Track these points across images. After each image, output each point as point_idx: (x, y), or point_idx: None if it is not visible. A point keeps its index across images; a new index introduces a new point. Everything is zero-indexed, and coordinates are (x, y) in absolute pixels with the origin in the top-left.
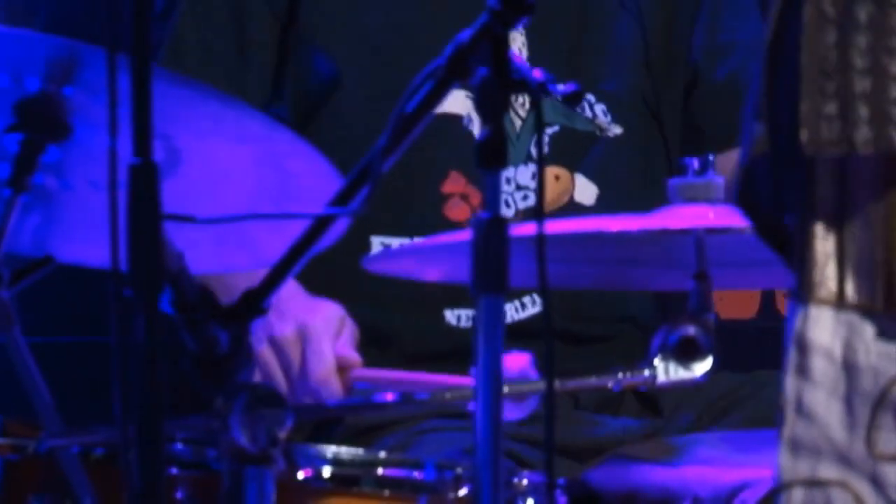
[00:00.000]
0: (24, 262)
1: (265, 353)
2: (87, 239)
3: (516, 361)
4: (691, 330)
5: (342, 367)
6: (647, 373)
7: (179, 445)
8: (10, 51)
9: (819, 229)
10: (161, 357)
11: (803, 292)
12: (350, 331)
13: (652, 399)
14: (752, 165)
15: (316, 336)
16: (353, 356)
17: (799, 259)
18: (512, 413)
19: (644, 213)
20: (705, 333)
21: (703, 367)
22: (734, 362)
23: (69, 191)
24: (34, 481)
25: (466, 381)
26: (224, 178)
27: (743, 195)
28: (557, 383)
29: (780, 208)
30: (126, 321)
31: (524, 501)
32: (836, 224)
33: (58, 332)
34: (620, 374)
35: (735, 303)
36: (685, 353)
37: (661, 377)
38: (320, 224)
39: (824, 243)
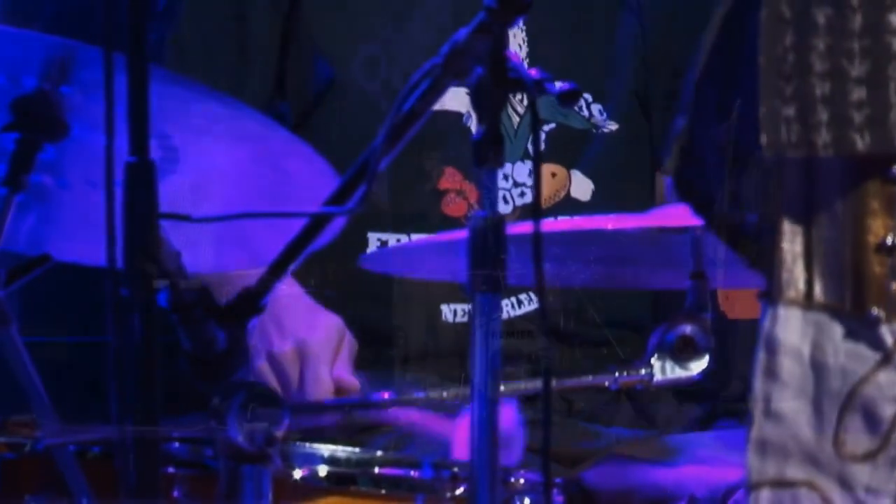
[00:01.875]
0: (20, 260)
1: (263, 368)
2: (83, 237)
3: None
4: (688, 329)
5: (339, 390)
6: (643, 371)
7: (176, 444)
8: (7, 50)
9: (787, 230)
10: (157, 356)
11: (772, 293)
12: (349, 347)
13: (647, 409)
14: (705, 165)
15: (314, 356)
16: (351, 381)
17: (768, 260)
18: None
19: (641, 212)
20: (702, 332)
21: (699, 365)
22: (746, 362)
23: (66, 189)
24: (31, 480)
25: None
26: (221, 177)
27: (693, 194)
28: (554, 382)
29: (740, 206)
30: (122, 320)
31: (521, 500)
32: (805, 224)
33: (54, 330)
34: (617, 373)
35: (748, 303)
36: (682, 351)
37: (658, 376)
38: (317, 222)
39: (792, 244)
